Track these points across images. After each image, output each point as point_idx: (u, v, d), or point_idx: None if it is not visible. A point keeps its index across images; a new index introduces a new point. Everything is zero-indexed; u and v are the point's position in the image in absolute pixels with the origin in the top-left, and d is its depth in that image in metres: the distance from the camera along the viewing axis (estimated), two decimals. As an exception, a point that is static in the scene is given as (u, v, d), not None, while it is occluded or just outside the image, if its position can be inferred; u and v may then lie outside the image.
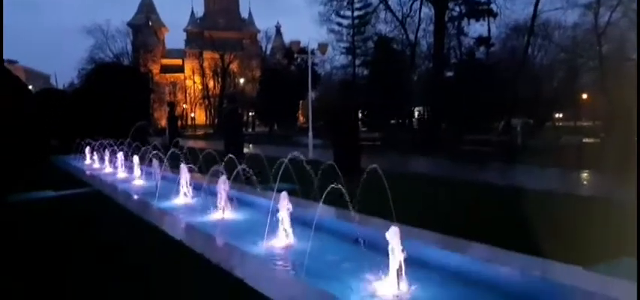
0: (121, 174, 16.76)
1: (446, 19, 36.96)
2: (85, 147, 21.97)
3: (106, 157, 19.23)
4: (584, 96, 46.40)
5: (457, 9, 39.77)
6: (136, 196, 11.68)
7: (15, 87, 27.57)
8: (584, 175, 14.37)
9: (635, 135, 7.85)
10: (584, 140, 17.88)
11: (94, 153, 21.06)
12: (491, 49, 41.41)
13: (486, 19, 39.65)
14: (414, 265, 5.39)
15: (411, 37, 44.20)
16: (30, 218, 9.43)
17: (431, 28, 40.20)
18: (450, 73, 40.14)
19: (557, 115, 48.24)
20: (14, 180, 13.95)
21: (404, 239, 5.17)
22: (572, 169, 14.79)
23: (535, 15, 37.84)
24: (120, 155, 17.56)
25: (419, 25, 43.30)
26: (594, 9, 37.85)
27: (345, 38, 53.83)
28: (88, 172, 17.35)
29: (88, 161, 21.23)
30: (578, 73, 43.07)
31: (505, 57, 42.65)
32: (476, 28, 41.10)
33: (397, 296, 5.14)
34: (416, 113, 47.02)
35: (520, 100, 36.32)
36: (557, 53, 43.83)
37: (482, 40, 40.26)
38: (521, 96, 36.67)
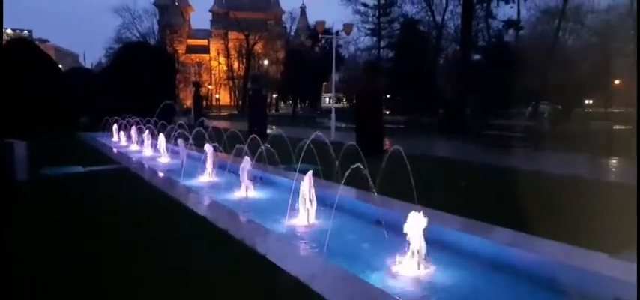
0: (148, 152, 17.08)
1: (474, 0, 36.19)
2: (113, 125, 22.42)
3: (133, 135, 19.60)
4: (617, 82, 44.96)
5: (486, -10, 38.86)
6: (161, 174, 11.91)
7: (46, 65, 28.29)
8: (613, 161, 14.03)
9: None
10: (614, 127, 17.36)
11: (121, 131, 21.48)
12: (521, 33, 40.45)
13: (516, 1, 38.65)
14: (434, 247, 5.40)
15: (438, 18, 43.48)
16: (61, 192, 9.73)
17: (458, 9, 39.44)
18: (477, 57, 39.43)
19: (587, 101, 46.81)
20: (46, 155, 14.34)
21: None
22: (602, 156, 14.45)
23: (567, -3, 36.66)
24: (146, 133, 17.88)
25: (446, 6, 42.56)
26: (631, -8, 36.44)
27: (370, 19, 53.26)
28: (115, 150, 17.74)
29: (115, 139, 21.68)
30: (611, 58, 41.62)
31: (534, 41, 41.59)
32: (505, 11, 40.10)
33: (417, 277, 5.16)
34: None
35: (549, 85, 35.42)
36: (589, 37, 42.43)
37: (511, 23, 39.37)
38: (550, 81, 35.75)
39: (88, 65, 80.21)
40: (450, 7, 42.65)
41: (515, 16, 39.68)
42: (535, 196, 8.47)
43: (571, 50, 43.55)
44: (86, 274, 5.04)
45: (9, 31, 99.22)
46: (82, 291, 4.60)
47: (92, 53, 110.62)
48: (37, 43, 41.09)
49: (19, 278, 4.92)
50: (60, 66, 38.34)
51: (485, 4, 39.76)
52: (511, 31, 39.83)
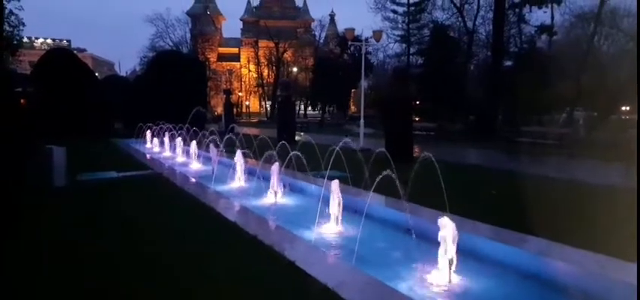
0: (180, 158, 17.43)
1: (506, 5, 35.55)
2: (146, 131, 22.96)
3: (166, 141, 20.03)
4: (656, 88, 43.38)
5: (519, -6, 38.13)
6: (193, 179, 12.14)
7: (83, 74, 29.26)
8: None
9: None
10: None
11: (154, 137, 21.98)
12: (554, 38, 39.51)
13: (550, 5, 37.76)
14: (465, 256, 5.35)
15: (469, 24, 42.87)
16: (96, 198, 10.03)
17: (490, 15, 38.81)
18: (508, 63, 38.73)
19: (623, 108, 45.29)
20: (82, 160, 14.79)
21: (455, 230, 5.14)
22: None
23: (603, 1, 35.64)
24: (178, 140, 18.25)
25: (477, 11, 41.87)
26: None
27: (399, 26, 52.90)
28: (148, 155, 18.16)
29: (148, 145, 22.20)
30: (649, 63, 40.11)
31: (568, 46, 40.54)
32: (538, 16, 39.24)
33: (448, 287, 5.12)
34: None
35: (583, 91, 34.49)
36: (625, 43, 41.11)
37: (544, 29, 38.48)
38: (584, 87, 34.80)
39: (123, 73, 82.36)
40: (482, 13, 41.96)
41: (548, 21, 38.78)
42: (570, 205, 8.28)
43: (606, 56, 42.29)
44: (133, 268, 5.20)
45: (49, 40, 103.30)
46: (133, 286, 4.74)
47: (127, 62, 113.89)
48: (75, 52, 42.40)
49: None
50: (96, 74, 39.51)
51: (517, 10, 39.04)
52: (544, 37, 38.92)
